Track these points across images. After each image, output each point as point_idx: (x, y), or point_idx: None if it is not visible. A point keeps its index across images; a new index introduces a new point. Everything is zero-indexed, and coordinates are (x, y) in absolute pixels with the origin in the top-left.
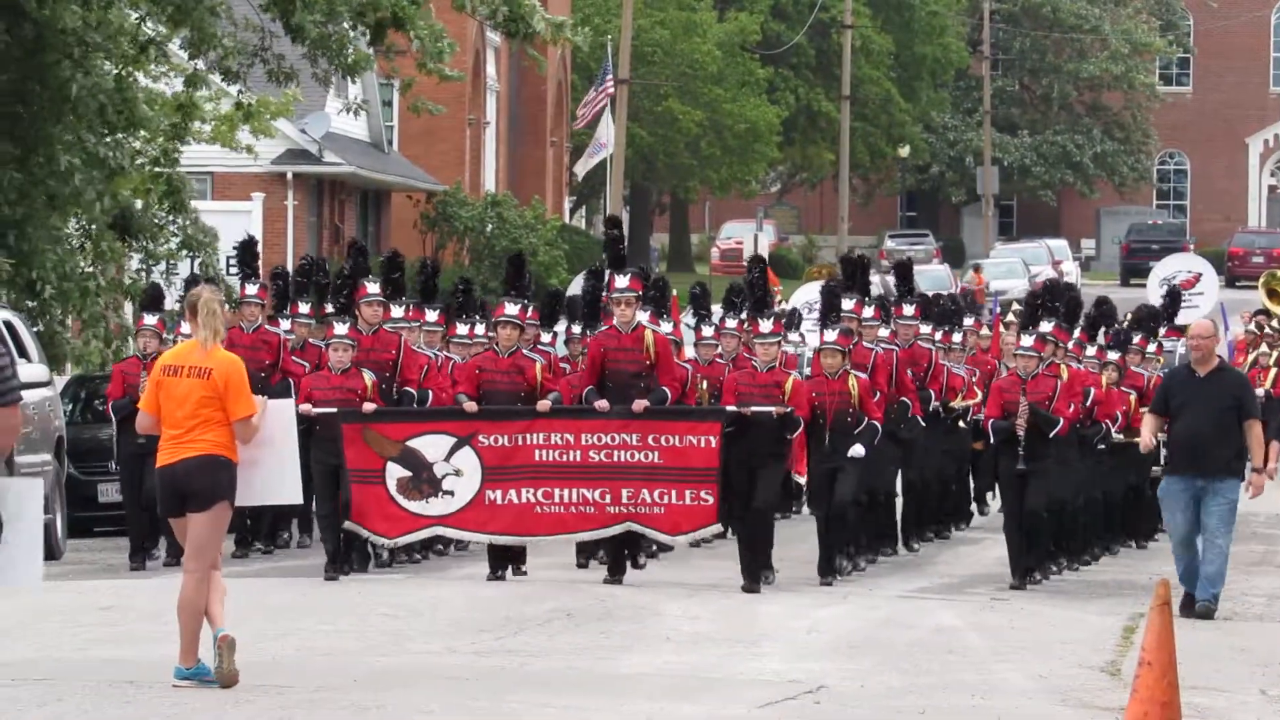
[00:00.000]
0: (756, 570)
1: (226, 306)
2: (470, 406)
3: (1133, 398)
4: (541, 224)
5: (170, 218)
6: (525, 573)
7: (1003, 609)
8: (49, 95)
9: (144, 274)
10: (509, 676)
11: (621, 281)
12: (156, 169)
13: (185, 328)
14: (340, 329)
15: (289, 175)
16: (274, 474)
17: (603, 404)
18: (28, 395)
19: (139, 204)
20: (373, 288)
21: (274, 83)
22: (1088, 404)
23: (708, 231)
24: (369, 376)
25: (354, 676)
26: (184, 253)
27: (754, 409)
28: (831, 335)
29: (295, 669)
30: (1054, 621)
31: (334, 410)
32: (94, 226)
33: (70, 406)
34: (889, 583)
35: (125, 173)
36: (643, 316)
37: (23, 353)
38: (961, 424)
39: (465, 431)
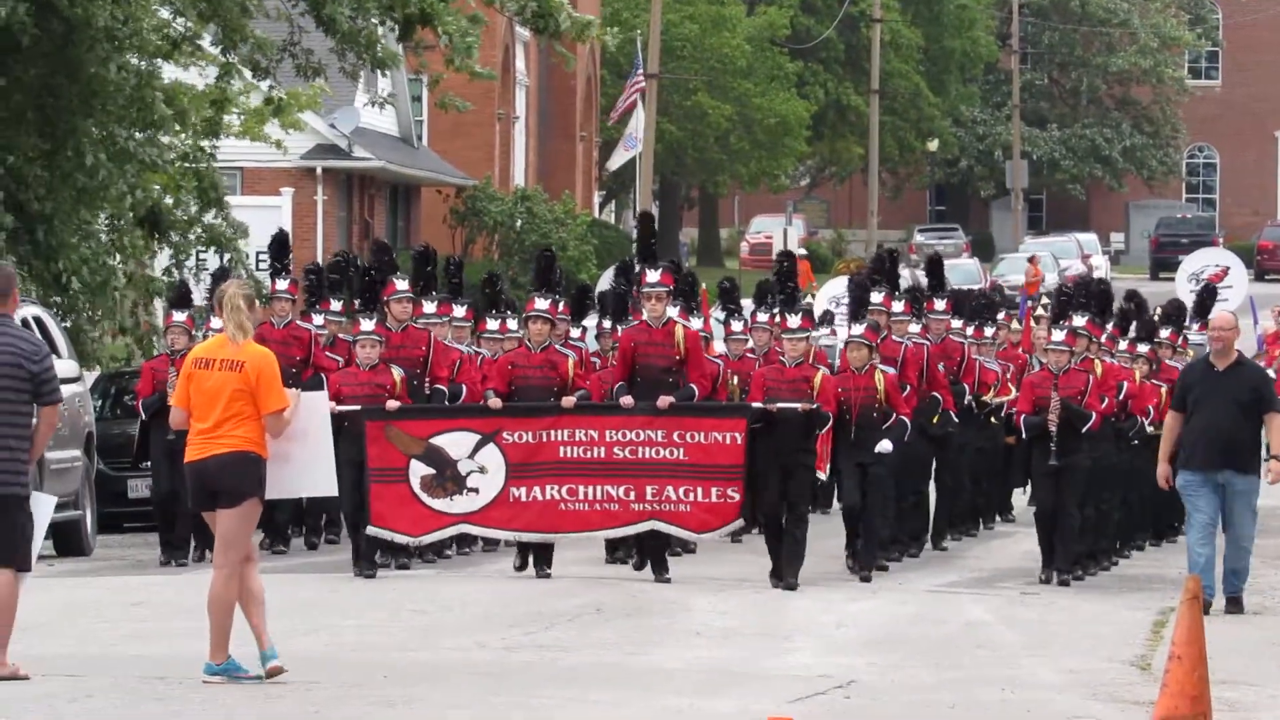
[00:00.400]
0: (789, 568)
1: (257, 302)
2: (495, 403)
3: (1164, 390)
4: (571, 219)
5: (200, 214)
6: (550, 574)
7: (1033, 603)
8: (78, 90)
9: (174, 270)
10: (539, 672)
11: (653, 276)
12: (186, 164)
13: (215, 323)
14: (367, 325)
15: (318, 170)
16: (308, 466)
17: (628, 400)
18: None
19: (169, 200)
20: (402, 284)
21: (302, 77)
22: (1121, 398)
23: (737, 226)
24: (398, 372)
25: (383, 672)
26: (211, 248)
27: (780, 405)
28: (858, 329)
29: (325, 664)
30: (1084, 616)
31: (358, 408)
32: (121, 222)
33: (100, 402)
34: (919, 577)
35: (157, 168)
36: (673, 311)
37: (52, 348)
38: (995, 419)
39: (490, 428)
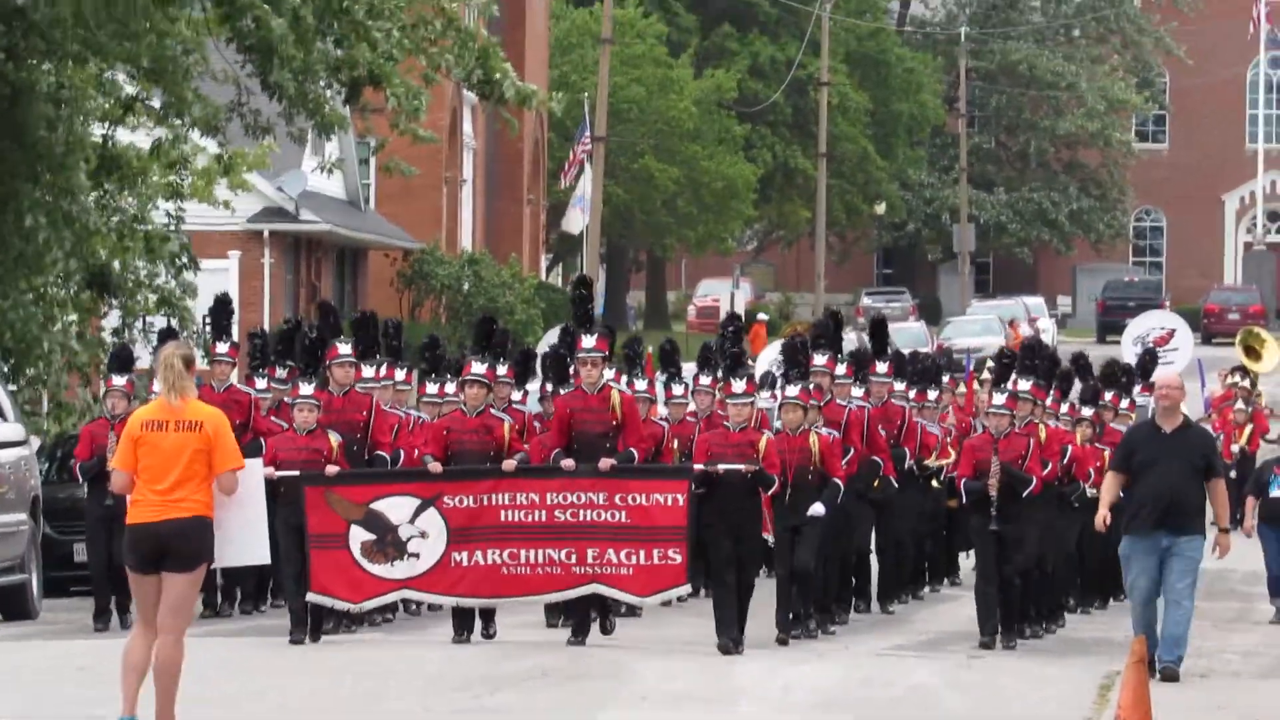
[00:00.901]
0: (735, 629)
1: (197, 363)
2: (435, 467)
3: (1106, 454)
4: (519, 282)
5: (149, 275)
6: (494, 634)
7: (980, 667)
8: (21, 155)
9: (123, 331)
10: None
11: (588, 341)
12: (138, 225)
13: (157, 385)
14: (305, 389)
15: (265, 233)
16: (243, 534)
17: (568, 463)
18: (2, 455)
19: (116, 263)
20: (344, 348)
21: (250, 136)
22: (1065, 462)
23: (684, 289)
24: (334, 438)
25: None
26: (160, 310)
27: (724, 467)
28: (793, 391)
29: None
30: (1031, 679)
31: (297, 474)
32: (67, 286)
33: (46, 466)
34: (866, 640)
35: (100, 232)
36: (610, 376)
37: None
38: (936, 483)
39: (430, 493)
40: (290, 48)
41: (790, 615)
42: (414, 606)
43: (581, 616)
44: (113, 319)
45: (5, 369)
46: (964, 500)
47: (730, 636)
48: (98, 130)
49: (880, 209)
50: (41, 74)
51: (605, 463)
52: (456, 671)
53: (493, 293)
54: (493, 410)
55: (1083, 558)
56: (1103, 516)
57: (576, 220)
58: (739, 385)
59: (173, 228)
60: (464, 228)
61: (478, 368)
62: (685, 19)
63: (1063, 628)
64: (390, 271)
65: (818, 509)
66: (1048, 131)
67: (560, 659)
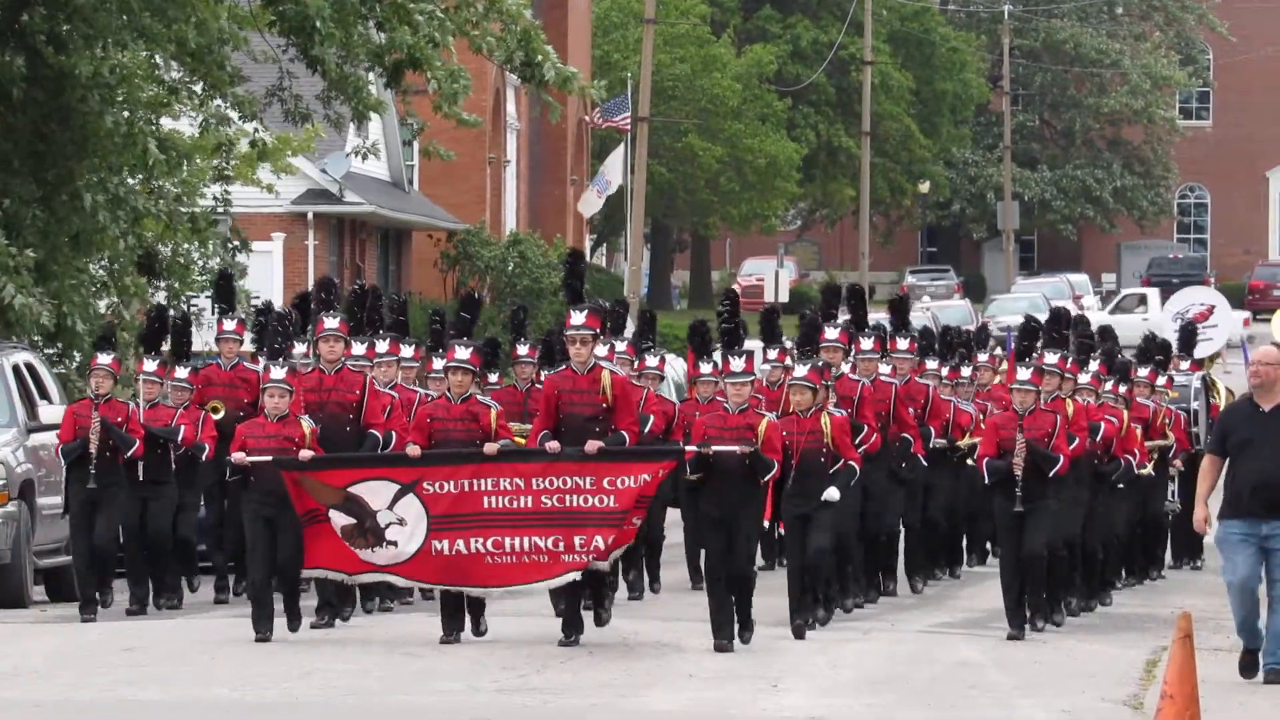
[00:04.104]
0: (731, 628)
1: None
2: (414, 451)
3: (1138, 431)
4: (563, 263)
5: (203, 257)
6: (485, 631)
7: (1025, 643)
8: (70, 136)
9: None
10: (532, 714)
11: (577, 318)
12: (183, 208)
13: (148, 364)
14: (277, 373)
15: (309, 215)
16: None
17: (554, 445)
18: (46, 437)
19: (164, 247)
20: (330, 322)
21: (291, 122)
22: (1098, 439)
23: (728, 268)
24: (307, 424)
25: (377, 717)
26: (206, 293)
27: (716, 448)
28: (802, 370)
29: (320, 709)
30: (1076, 655)
31: (268, 459)
32: (116, 266)
33: None
34: (911, 617)
35: (149, 214)
36: (603, 354)
37: (43, 394)
38: (970, 461)
39: (409, 478)
40: (329, 25)
41: (801, 606)
42: (408, 597)
43: (572, 612)
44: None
45: (53, 351)
46: (987, 480)
47: (727, 637)
48: (142, 116)
49: (924, 187)
50: (85, 59)
51: (592, 445)
52: (503, 650)
53: (537, 273)
54: (478, 397)
55: (1116, 538)
56: (1201, 515)
57: (593, 203)
58: (737, 364)
59: (220, 210)
60: (508, 208)
61: (461, 352)
62: (727, 0)
63: (1108, 606)
64: (434, 253)
65: (832, 493)
66: (1091, 109)
67: (608, 637)
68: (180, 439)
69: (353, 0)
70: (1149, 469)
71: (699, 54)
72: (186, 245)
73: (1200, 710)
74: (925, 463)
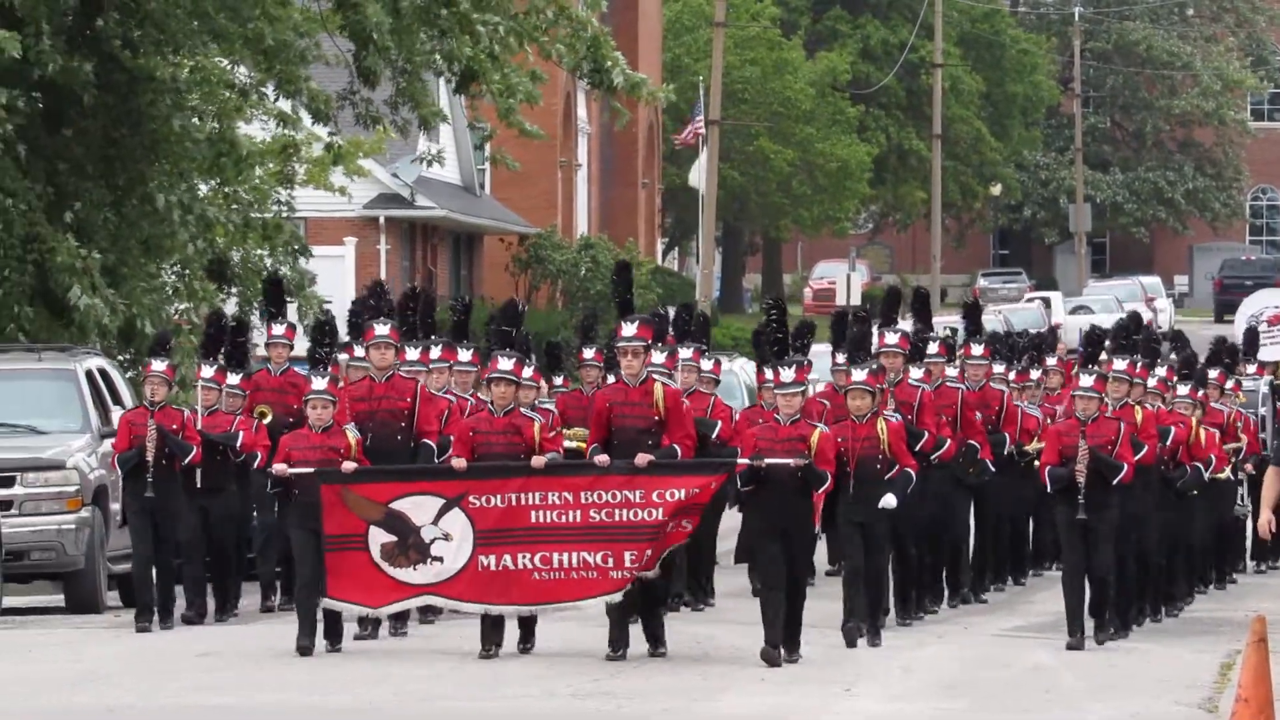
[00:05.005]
0: (790, 642)
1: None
2: (459, 464)
3: (1216, 435)
4: (636, 266)
5: (274, 263)
6: (531, 648)
7: (1098, 647)
8: (140, 140)
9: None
10: (606, 719)
11: (628, 330)
12: (254, 213)
13: (206, 371)
14: (319, 384)
15: (381, 219)
16: None
17: (603, 458)
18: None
19: (235, 253)
20: (381, 329)
21: (362, 125)
22: (1168, 444)
23: (800, 271)
24: (353, 434)
25: None
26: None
27: (769, 461)
28: (860, 375)
29: (394, 715)
30: (1150, 660)
31: (311, 470)
32: (187, 271)
33: None
34: (984, 622)
35: (219, 222)
36: (661, 362)
37: (116, 399)
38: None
39: (455, 492)
40: (386, 38)
41: (853, 612)
42: (430, 616)
43: (621, 629)
44: (228, 308)
45: (125, 357)
46: (1049, 489)
47: (775, 643)
48: (213, 122)
49: (996, 190)
50: (158, 63)
51: (642, 458)
52: (577, 654)
53: (610, 277)
54: (522, 410)
55: (1184, 547)
56: (1266, 520)
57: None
58: (787, 374)
59: (285, 215)
60: (579, 212)
61: (505, 363)
62: (797, 1)
63: (1180, 611)
64: (506, 256)
65: (889, 500)
66: (1163, 111)
67: (681, 641)
68: (239, 444)
69: (416, 8)
70: (1226, 473)
71: (770, 56)
72: (259, 251)
73: (1275, 713)
74: (993, 469)
